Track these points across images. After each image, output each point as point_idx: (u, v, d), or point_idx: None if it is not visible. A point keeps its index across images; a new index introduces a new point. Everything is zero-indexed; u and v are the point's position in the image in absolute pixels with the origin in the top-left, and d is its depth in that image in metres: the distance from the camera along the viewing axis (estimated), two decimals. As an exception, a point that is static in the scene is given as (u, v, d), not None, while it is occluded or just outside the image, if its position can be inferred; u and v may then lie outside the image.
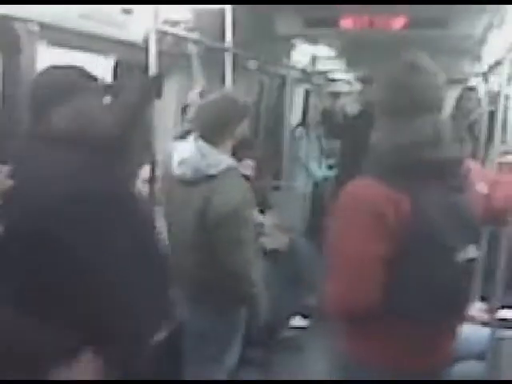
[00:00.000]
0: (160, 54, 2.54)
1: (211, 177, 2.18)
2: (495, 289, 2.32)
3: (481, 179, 1.69)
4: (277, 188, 5.21)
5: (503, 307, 2.32)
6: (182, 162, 2.24)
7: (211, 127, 2.23)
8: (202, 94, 2.70)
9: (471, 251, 1.52)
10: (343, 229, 1.56)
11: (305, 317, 4.09)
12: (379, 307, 1.53)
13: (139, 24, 2.81)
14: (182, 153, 2.26)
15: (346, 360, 1.75)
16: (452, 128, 1.60)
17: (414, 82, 1.58)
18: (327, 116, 5.78)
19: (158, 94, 2.37)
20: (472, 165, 1.70)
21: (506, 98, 3.72)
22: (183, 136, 2.48)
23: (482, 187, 1.67)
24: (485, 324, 2.57)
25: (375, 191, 1.51)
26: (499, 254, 2.30)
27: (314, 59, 5.84)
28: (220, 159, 2.20)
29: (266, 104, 5.93)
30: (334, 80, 6.87)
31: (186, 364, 2.41)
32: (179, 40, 3.01)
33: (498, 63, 3.54)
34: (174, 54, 3.11)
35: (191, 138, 2.29)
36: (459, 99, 5.77)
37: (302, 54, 5.76)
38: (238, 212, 2.16)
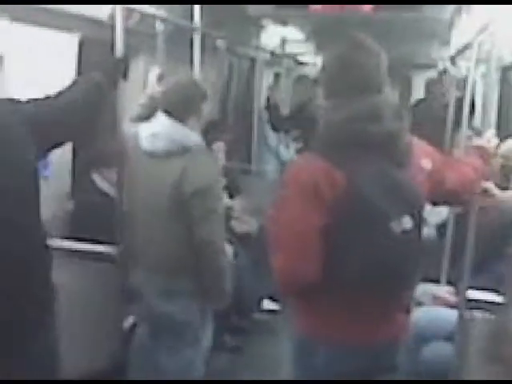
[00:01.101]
0: (126, 32, 2.46)
1: (186, 150, 2.23)
2: (462, 271, 2.34)
3: (425, 156, 1.72)
4: (247, 172, 5.18)
5: (471, 289, 2.35)
6: (153, 136, 2.26)
7: (176, 106, 2.28)
8: (160, 76, 2.65)
9: (406, 222, 1.56)
10: (283, 202, 1.64)
11: (275, 300, 4.10)
12: (323, 279, 1.58)
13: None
14: (152, 128, 2.29)
15: (301, 336, 1.78)
16: (395, 106, 1.65)
17: (355, 61, 1.64)
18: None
19: (124, 76, 2.31)
20: (416, 141, 1.74)
21: (474, 82, 3.75)
22: (145, 117, 2.47)
23: (426, 163, 1.70)
24: (453, 306, 2.60)
25: (313, 166, 1.60)
26: (466, 235, 2.32)
27: (283, 42, 5.80)
28: (192, 134, 2.27)
29: (235, 86, 5.87)
30: (302, 63, 6.86)
31: (160, 350, 2.39)
32: (146, 18, 2.93)
33: (466, 47, 3.56)
34: (141, 33, 3.02)
35: (158, 115, 2.31)
36: (431, 83, 5.83)
37: (271, 36, 5.72)
38: (213, 184, 2.25)
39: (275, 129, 5.77)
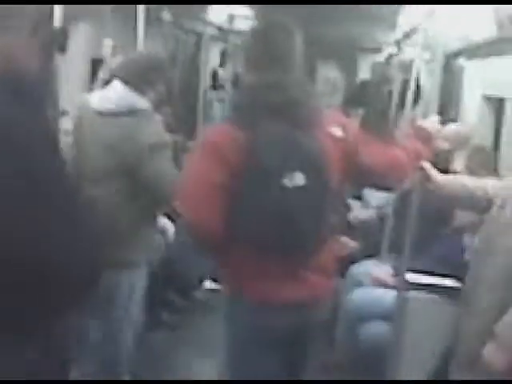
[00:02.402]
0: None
1: (134, 112, 2.27)
2: (402, 252, 2.40)
3: (338, 125, 1.83)
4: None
5: (408, 270, 2.41)
6: (104, 98, 2.30)
7: (132, 77, 2.32)
8: (114, 49, 2.58)
9: (299, 178, 1.66)
10: (190, 161, 1.83)
11: (215, 280, 4.09)
12: (230, 235, 1.69)
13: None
14: (105, 92, 2.33)
15: (228, 296, 1.85)
16: (302, 81, 1.81)
17: (269, 38, 1.80)
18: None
19: (62, 48, 2.22)
20: (330, 112, 1.89)
21: (419, 68, 3.81)
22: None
23: (336, 131, 1.82)
24: (391, 287, 2.67)
25: (219, 128, 1.84)
26: (405, 217, 2.37)
27: (231, 18, 5.72)
28: (142, 100, 2.31)
29: (181, 61, 5.76)
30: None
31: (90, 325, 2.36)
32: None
33: (411, 32, 3.62)
34: (82, 6, 2.89)
35: (113, 82, 2.32)
36: (377, 66, 5.93)
37: (219, 11, 5.62)
38: (165, 143, 2.31)
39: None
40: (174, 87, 5.64)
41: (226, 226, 1.69)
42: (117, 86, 2.30)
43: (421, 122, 2.17)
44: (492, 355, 1.88)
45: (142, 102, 2.31)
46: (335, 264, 1.90)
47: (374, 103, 5.70)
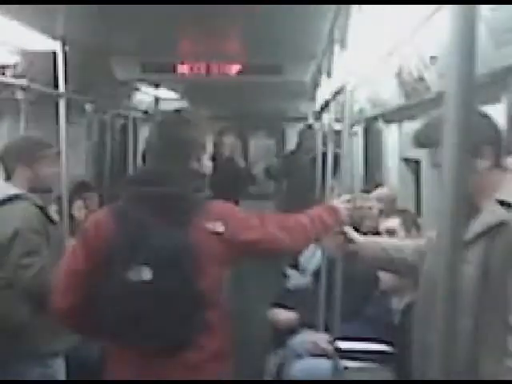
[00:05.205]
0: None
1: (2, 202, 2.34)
2: (334, 320, 2.41)
3: (219, 219, 1.78)
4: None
5: (342, 339, 2.41)
6: None
7: (6, 159, 2.46)
8: None
9: (145, 273, 1.65)
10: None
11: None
12: (89, 322, 1.73)
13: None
14: None
15: None
16: (172, 175, 1.78)
17: (173, 133, 1.83)
18: None
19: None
20: (216, 205, 1.85)
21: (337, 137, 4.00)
22: None
23: (217, 226, 1.77)
24: (327, 356, 2.65)
25: (94, 217, 1.85)
26: (335, 285, 2.40)
27: (157, 100, 5.86)
28: (7, 187, 2.41)
29: (110, 143, 5.82)
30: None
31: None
32: (7, 86, 2.84)
33: (325, 105, 3.82)
34: (3, 99, 2.92)
35: None
36: (300, 136, 6.17)
37: (144, 95, 5.76)
38: (19, 236, 2.30)
39: None
40: (104, 170, 5.68)
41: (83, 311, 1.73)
42: None
43: (334, 200, 2.21)
44: None
45: (12, 189, 2.38)
46: (212, 361, 1.79)
47: (297, 172, 5.90)
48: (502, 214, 1.47)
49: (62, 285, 1.76)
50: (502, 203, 1.48)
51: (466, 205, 0.82)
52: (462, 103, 0.78)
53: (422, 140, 1.75)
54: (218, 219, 1.78)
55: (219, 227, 1.77)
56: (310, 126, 6.14)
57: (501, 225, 1.45)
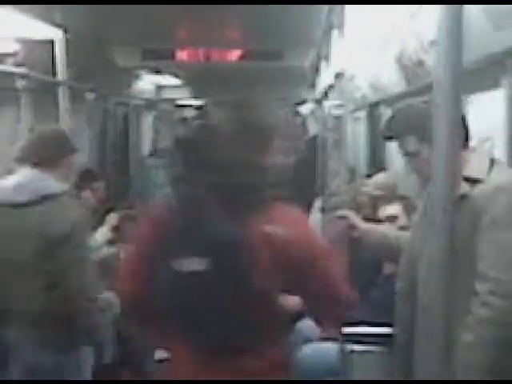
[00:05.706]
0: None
1: (46, 199, 2.23)
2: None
3: (278, 223, 1.56)
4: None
5: (347, 323, 2.41)
6: (15, 187, 2.25)
7: (40, 157, 2.30)
8: (31, 130, 2.61)
9: (196, 263, 1.53)
10: None
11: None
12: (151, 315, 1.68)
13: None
14: (16, 179, 2.26)
15: None
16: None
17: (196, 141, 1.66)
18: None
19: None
20: (280, 209, 1.61)
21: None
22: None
23: (274, 228, 1.55)
24: (333, 340, 2.66)
25: (156, 207, 1.75)
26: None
27: (158, 88, 5.86)
28: (53, 183, 2.28)
29: (113, 131, 5.83)
30: (181, 106, 6.94)
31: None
32: (7, 74, 2.85)
33: (325, 91, 3.81)
34: (3, 88, 2.93)
35: (23, 167, 2.28)
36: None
37: (146, 83, 5.75)
38: (73, 232, 2.23)
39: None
40: (106, 158, 5.69)
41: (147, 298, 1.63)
42: (27, 171, 2.26)
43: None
44: None
45: (53, 186, 2.27)
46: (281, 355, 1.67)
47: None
48: (464, 187, 1.61)
49: (123, 269, 1.75)
50: (467, 179, 1.64)
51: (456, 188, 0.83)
52: (450, 91, 0.79)
53: (388, 134, 1.87)
54: (282, 226, 1.55)
55: (279, 230, 1.54)
56: (297, 112, 6.12)
57: (464, 197, 1.59)
